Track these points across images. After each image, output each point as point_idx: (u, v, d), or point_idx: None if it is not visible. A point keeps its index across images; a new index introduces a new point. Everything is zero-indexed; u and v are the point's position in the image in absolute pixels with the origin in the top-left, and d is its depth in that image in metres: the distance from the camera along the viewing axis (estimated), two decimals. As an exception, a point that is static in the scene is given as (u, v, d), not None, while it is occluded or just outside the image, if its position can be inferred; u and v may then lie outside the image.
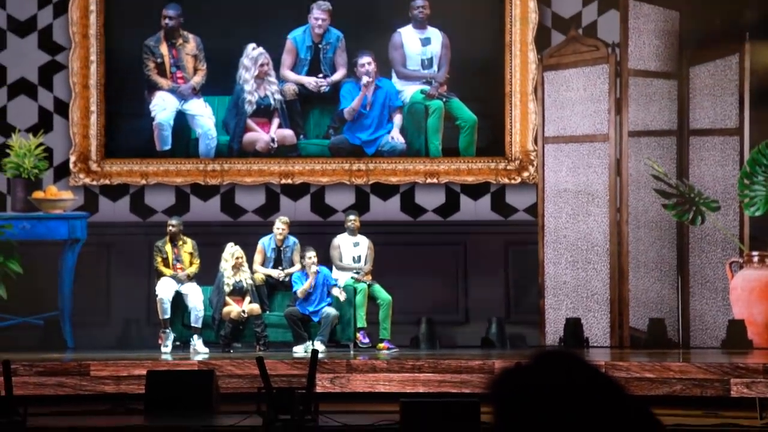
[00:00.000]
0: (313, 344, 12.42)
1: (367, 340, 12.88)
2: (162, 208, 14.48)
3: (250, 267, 13.19)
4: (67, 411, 10.26)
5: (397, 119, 14.05)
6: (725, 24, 13.64)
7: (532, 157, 14.32)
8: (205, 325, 12.97)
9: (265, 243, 13.39)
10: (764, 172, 13.40)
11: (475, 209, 14.45)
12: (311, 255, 12.98)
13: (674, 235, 13.79)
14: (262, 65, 13.48)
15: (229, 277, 12.96)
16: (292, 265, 13.21)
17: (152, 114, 13.51)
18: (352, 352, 12.62)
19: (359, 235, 13.38)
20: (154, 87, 13.79)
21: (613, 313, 13.46)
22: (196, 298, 13.00)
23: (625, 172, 13.56)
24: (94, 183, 14.53)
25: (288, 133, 14.20)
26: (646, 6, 13.76)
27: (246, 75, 13.18)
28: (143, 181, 14.58)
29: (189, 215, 14.21)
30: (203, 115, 13.85)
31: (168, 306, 12.95)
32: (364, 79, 13.73)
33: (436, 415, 8.96)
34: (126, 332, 13.86)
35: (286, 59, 13.68)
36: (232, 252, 13.04)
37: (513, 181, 14.47)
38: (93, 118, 14.56)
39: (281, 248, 13.32)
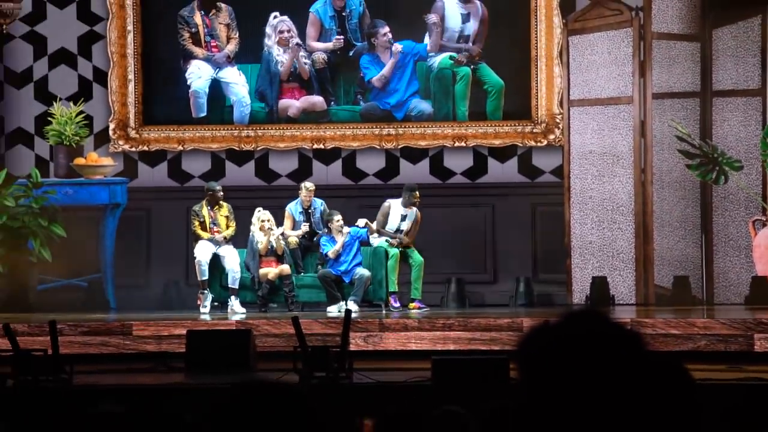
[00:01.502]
0: (346, 304, 12.45)
1: (398, 304, 12.89)
2: (198, 173, 14.52)
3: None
4: (111, 369, 10.32)
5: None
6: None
7: (557, 120, 14.27)
8: (243, 286, 13.04)
9: (292, 208, 13.45)
10: (786, 132, 13.33)
11: (502, 171, 14.42)
12: (338, 218, 13.01)
13: (698, 195, 13.73)
14: (281, 32, 13.43)
15: (260, 241, 13.01)
16: (321, 226, 13.26)
17: (188, 82, 13.51)
18: (384, 312, 12.64)
19: (413, 209, 13.32)
20: (190, 56, 13.79)
21: (638, 272, 13.45)
22: (232, 260, 13.05)
23: (650, 133, 13.51)
24: (133, 149, 14.58)
25: (318, 99, 14.18)
26: (669, -31, 13.66)
27: (269, 42, 13.15)
28: (180, 147, 14.62)
29: (225, 180, 14.24)
30: (237, 83, 13.85)
31: (206, 268, 13.01)
32: (395, 47, 13.63)
33: (467, 371, 8.98)
34: (166, 293, 13.93)
35: (311, 31, 13.64)
36: (258, 216, 13.11)
37: (539, 144, 14.42)
38: (131, 86, 14.59)
39: (309, 211, 13.36)
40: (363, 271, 12.86)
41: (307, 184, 13.44)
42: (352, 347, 9.97)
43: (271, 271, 12.92)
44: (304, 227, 13.28)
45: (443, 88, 14.39)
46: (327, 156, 14.57)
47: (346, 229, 12.99)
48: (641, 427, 1.72)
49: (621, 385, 1.73)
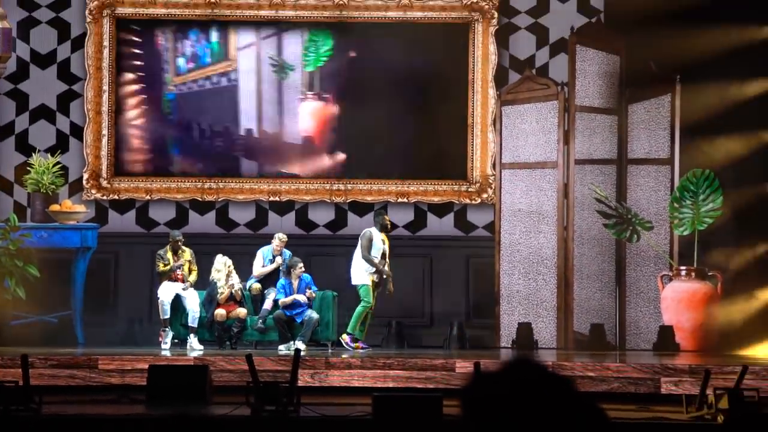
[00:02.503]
0: (295, 343, 12.40)
1: (353, 345, 12.85)
2: (164, 220, 14.44)
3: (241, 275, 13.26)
4: (78, 400, 10.18)
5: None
6: (659, 67, 13.71)
7: (490, 181, 14.35)
8: (201, 326, 12.96)
9: (264, 252, 13.45)
10: (691, 197, 13.45)
11: (440, 226, 14.47)
12: (301, 266, 13.08)
13: (613, 251, 13.83)
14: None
15: (222, 286, 12.98)
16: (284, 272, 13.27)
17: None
18: (330, 351, 12.58)
19: (384, 235, 13.28)
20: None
21: (559, 319, 13.49)
22: (193, 301, 12.99)
23: (572, 195, 13.60)
24: (104, 198, 14.49)
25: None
26: (591, 50, 13.82)
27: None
28: (147, 197, 14.54)
29: (187, 227, 14.19)
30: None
31: (168, 308, 12.92)
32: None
33: (404, 407, 8.94)
34: (130, 330, 13.79)
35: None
36: (224, 261, 13.08)
37: (474, 202, 14.49)
38: (104, 140, 14.52)
39: (275, 257, 13.35)
40: (312, 314, 12.83)
41: (281, 236, 13.46)
42: (300, 383, 9.91)
43: (222, 312, 12.91)
44: (272, 266, 13.29)
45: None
46: (282, 208, 14.55)
47: (298, 275, 13.03)
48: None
49: (553, 424, 1.74)
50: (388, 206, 14.48)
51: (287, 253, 13.44)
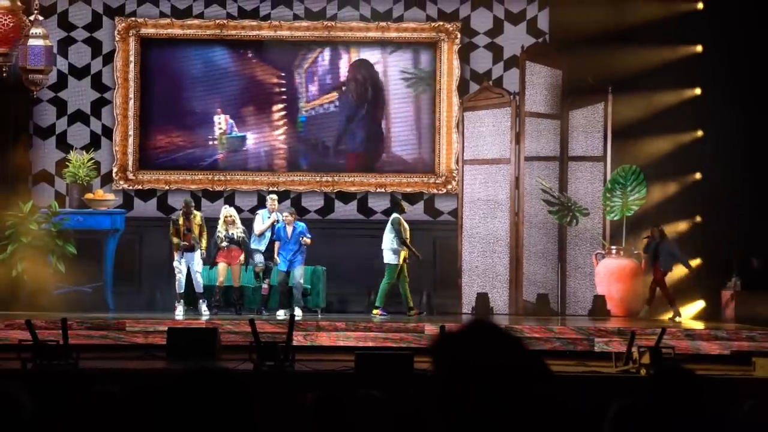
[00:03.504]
0: (292, 310, 12.36)
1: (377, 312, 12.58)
2: (180, 206, 14.35)
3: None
4: (108, 356, 10.15)
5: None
6: (595, 80, 13.73)
7: (454, 174, 14.35)
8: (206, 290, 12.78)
9: (262, 213, 13.21)
10: (620, 189, 13.50)
11: (412, 212, 14.44)
12: (292, 210, 12.97)
13: (556, 233, 13.86)
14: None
15: (220, 231, 12.72)
16: (280, 234, 12.86)
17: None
18: (319, 316, 12.55)
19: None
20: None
21: (511, 290, 13.51)
22: (197, 265, 12.66)
23: (522, 186, 13.62)
24: (130, 188, 14.41)
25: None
26: (538, 66, 13.83)
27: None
28: (167, 187, 14.47)
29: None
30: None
31: (183, 281, 12.76)
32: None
33: (381, 363, 8.95)
34: (152, 298, 13.73)
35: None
36: (224, 212, 12.92)
37: (440, 192, 14.49)
38: (130, 140, 14.44)
39: (271, 214, 13.08)
40: (299, 279, 12.66)
41: (272, 196, 13.26)
42: (295, 343, 9.91)
43: (222, 273, 12.65)
44: (269, 221, 12.96)
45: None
46: (279, 196, 14.49)
47: (278, 216, 12.79)
48: (522, 401, 1.74)
49: (508, 373, 1.75)
50: (369, 195, 14.45)
51: (281, 216, 13.02)
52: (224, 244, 12.78)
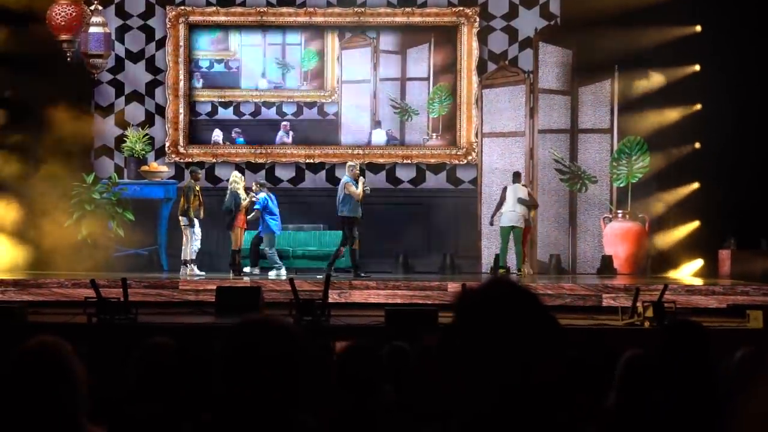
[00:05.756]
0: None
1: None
2: (226, 178, 14.39)
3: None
4: (164, 312, 10.23)
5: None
6: (602, 59, 13.58)
7: (474, 146, 14.28)
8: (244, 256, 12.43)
9: (350, 180, 12.29)
10: (626, 158, 13.40)
11: (436, 181, 14.43)
12: (262, 182, 12.43)
13: (567, 199, 13.79)
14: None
15: (245, 197, 12.19)
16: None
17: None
18: (352, 275, 12.55)
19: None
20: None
21: (525, 251, 13.46)
22: (199, 232, 12.35)
23: (536, 157, 13.54)
24: (181, 161, 14.45)
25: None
26: (550, 46, 13.69)
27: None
28: (214, 160, 14.51)
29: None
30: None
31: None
32: None
33: (408, 318, 8.95)
34: (201, 260, 13.78)
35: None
36: (240, 176, 12.41)
37: (461, 162, 14.43)
38: (181, 117, 14.47)
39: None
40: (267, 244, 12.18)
41: (352, 163, 12.52)
42: (330, 300, 9.93)
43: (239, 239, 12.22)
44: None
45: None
46: (315, 168, 14.52)
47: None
48: (535, 350, 1.73)
49: (521, 327, 1.74)
50: (396, 166, 14.41)
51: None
52: (245, 201, 12.16)
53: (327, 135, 14.47)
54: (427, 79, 14.42)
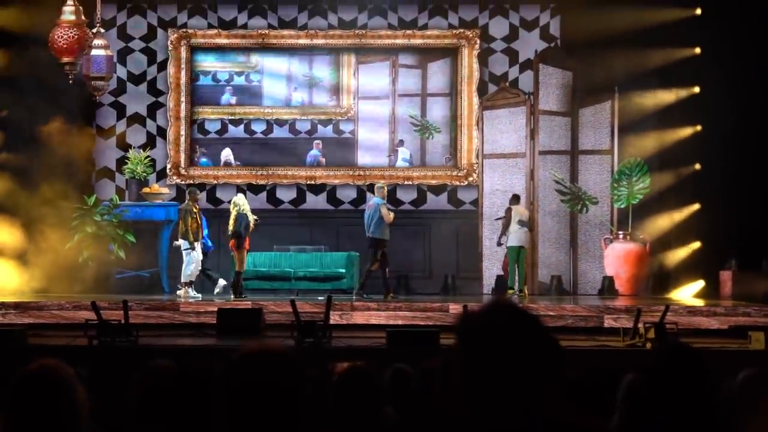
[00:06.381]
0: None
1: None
2: (227, 199, 14.40)
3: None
4: (164, 334, 10.21)
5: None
6: (602, 80, 13.63)
7: (475, 167, 14.30)
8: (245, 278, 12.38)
9: (382, 202, 12.21)
10: (626, 179, 13.42)
11: (436, 202, 14.44)
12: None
13: (568, 220, 13.79)
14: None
15: (252, 219, 12.09)
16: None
17: (194, 258, 12.29)
18: (354, 297, 12.53)
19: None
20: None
21: (528, 271, 13.45)
22: (200, 256, 12.25)
23: (536, 178, 13.55)
24: (183, 182, 14.47)
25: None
26: (550, 68, 13.75)
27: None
28: (215, 182, 14.53)
29: (246, 204, 14.09)
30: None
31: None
32: None
33: (410, 339, 8.94)
34: (204, 282, 13.77)
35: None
36: (245, 200, 12.25)
37: (462, 184, 14.44)
38: (182, 139, 14.50)
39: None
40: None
41: (380, 184, 12.51)
42: (332, 321, 9.91)
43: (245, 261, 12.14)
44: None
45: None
46: (316, 189, 14.54)
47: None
48: (535, 373, 1.73)
49: (523, 348, 1.75)
50: (397, 187, 14.43)
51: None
52: (252, 224, 12.05)
53: (345, 154, 14.43)
54: (449, 94, 14.38)
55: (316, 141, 14.44)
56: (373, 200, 12.37)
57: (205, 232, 12.49)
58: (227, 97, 14.63)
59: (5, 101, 13.46)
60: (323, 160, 14.42)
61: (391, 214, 12.18)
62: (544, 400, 1.71)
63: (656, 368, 2.93)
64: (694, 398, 2.89)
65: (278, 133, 14.54)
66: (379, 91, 14.46)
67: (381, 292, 12.53)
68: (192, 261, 12.23)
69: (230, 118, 14.56)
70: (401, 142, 14.47)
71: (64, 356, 2.23)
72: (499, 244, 12.69)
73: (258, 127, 14.56)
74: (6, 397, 2.10)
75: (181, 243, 12.32)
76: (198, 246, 12.28)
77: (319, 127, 14.50)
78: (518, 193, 12.98)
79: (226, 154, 14.54)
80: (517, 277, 12.52)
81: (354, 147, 14.49)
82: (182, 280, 12.27)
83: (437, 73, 14.45)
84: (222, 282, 12.43)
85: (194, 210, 12.28)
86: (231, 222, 12.11)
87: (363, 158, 14.46)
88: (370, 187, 14.48)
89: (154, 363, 3.21)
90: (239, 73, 14.61)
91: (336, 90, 14.49)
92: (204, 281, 12.75)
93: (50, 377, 2.13)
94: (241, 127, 14.56)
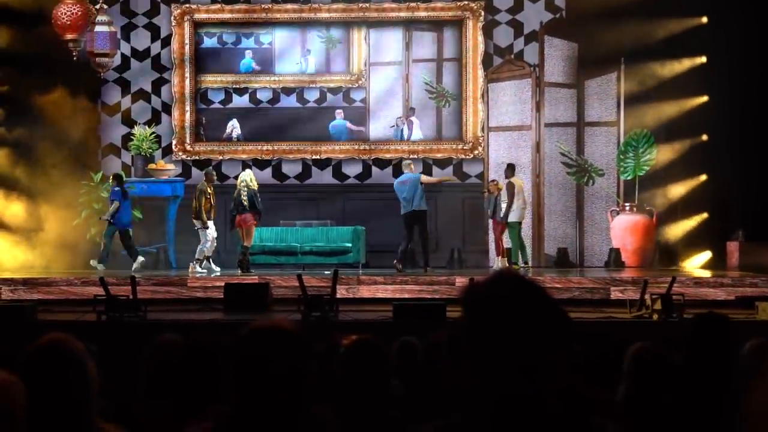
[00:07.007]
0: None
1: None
2: (233, 175, 14.40)
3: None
4: (172, 309, 10.25)
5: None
6: (608, 51, 13.54)
7: (480, 141, 14.26)
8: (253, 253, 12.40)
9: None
10: (633, 151, 13.37)
11: (442, 175, 14.39)
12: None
13: (574, 192, 13.76)
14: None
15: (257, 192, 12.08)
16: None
17: (209, 235, 12.25)
18: (360, 271, 12.55)
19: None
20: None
21: (534, 244, 13.46)
22: (213, 234, 12.24)
23: (542, 150, 13.52)
24: (188, 158, 14.48)
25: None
26: (556, 39, 13.66)
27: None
28: (220, 157, 14.52)
29: (252, 180, 14.07)
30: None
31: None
32: None
33: (416, 313, 8.96)
34: (219, 259, 13.76)
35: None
36: (252, 175, 12.24)
37: (468, 157, 14.41)
38: (187, 115, 14.48)
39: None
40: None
41: (407, 161, 12.65)
42: (338, 295, 9.93)
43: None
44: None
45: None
46: (322, 164, 14.52)
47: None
48: (542, 339, 1.73)
49: (529, 320, 1.75)
50: (402, 161, 14.40)
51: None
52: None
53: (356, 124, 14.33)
54: (458, 59, 14.20)
55: (337, 110, 14.33)
56: (407, 176, 12.44)
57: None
58: (248, 62, 14.42)
59: (9, 78, 13.44)
60: (354, 127, 14.27)
61: (434, 178, 12.86)
62: (551, 370, 1.72)
63: (687, 339, 2.94)
64: (719, 368, 2.89)
65: (285, 102, 14.46)
66: (392, 57, 14.27)
67: (388, 266, 12.56)
68: (207, 239, 12.19)
69: (235, 87, 14.49)
70: (412, 111, 14.38)
71: (73, 332, 2.25)
72: (506, 223, 12.60)
73: (264, 96, 14.49)
74: (17, 372, 2.12)
75: (194, 222, 12.28)
76: (211, 225, 12.23)
77: (329, 95, 14.42)
78: (513, 162, 12.92)
79: (232, 124, 14.49)
80: (520, 251, 12.49)
81: (365, 116, 14.40)
82: (195, 256, 12.24)
83: (449, 39, 14.32)
84: (141, 259, 12.25)
85: (208, 191, 12.27)
86: (244, 199, 12.02)
87: (375, 128, 14.39)
88: (376, 162, 14.47)
89: (162, 338, 3.23)
90: (247, 35, 14.50)
91: (346, 58, 14.38)
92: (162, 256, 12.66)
93: (61, 351, 2.15)
94: (246, 96, 14.50)
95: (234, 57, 14.46)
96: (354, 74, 14.35)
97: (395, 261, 12.17)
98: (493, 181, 12.90)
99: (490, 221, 12.94)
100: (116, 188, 12.29)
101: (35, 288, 10.92)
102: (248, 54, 14.42)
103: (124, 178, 13.12)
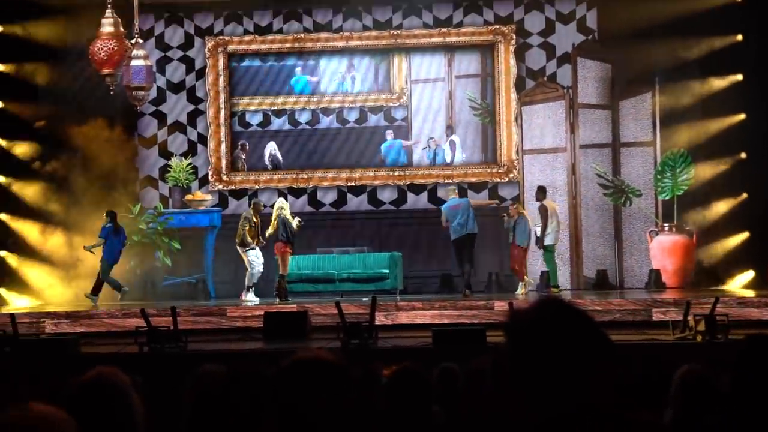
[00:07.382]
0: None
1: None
2: (269, 203, 14.48)
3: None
4: (212, 339, 10.29)
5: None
6: (641, 71, 13.48)
7: (515, 164, 14.22)
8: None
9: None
10: (670, 171, 13.27)
11: (478, 199, 14.34)
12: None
13: (612, 214, 13.66)
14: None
15: (294, 223, 12.18)
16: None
17: (255, 262, 12.34)
18: (398, 297, 12.54)
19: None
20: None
21: (572, 267, 13.36)
22: (259, 260, 12.28)
23: (578, 172, 13.45)
24: (225, 188, 14.59)
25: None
26: (589, 61, 13.63)
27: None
28: (257, 186, 14.62)
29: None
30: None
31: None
32: None
33: (456, 338, 8.92)
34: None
35: None
36: (286, 204, 12.34)
37: (503, 180, 14.37)
38: (223, 146, 14.62)
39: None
40: None
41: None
42: (377, 322, 9.92)
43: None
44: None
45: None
46: (357, 190, 14.56)
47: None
48: (585, 369, 1.72)
49: (571, 343, 1.74)
50: (437, 185, 14.38)
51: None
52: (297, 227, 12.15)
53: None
54: (492, 82, 14.16)
55: (388, 131, 14.35)
56: (457, 200, 12.52)
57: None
58: (302, 81, 14.37)
59: (48, 114, 13.68)
60: (409, 143, 14.06)
61: (483, 201, 13.18)
62: (596, 393, 1.71)
63: (738, 359, 2.90)
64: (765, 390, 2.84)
65: (325, 123, 14.51)
66: (434, 74, 14.22)
67: (425, 291, 12.51)
68: (253, 265, 12.21)
69: (272, 109, 14.58)
70: (450, 130, 14.34)
71: (116, 364, 2.27)
72: (543, 247, 12.51)
73: (303, 118, 14.54)
74: (63, 405, 2.14)
75: (238, 249, 12.28)
76: (259, 253, 12.23)
77: (370, 115, 14.48)
78: (544, 185, 12.86)
79: (271, 147, 14.53)
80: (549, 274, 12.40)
81: (407, 135, 14.40)
82: (246, 284, 12.26)
83: (487, 61, 14.28)
84: (125, 289, 12.29)
85: (254, 220, 12.32)
86: (276, 226, 12.09)
87: (416, 151, 14.39)
88: (411, 187, 14.47)
89: (204, 368, 3.24)
90: (280, 55, 14.39)
91: (386, 76, 14.36)
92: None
93: (108, 385, 2.16)
94: (285, 117, 14.57)
95: (273, 77, 14.55)
96: (395, 92, 14.39)
97: (463, 289, 12.09)
98: (513, 204, 12.83)
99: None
100: (108, 225, 12.34)
101: (78, 321, 11.04)
102: (298, 71, 14.46)
103: (159, 210, 13.21)
